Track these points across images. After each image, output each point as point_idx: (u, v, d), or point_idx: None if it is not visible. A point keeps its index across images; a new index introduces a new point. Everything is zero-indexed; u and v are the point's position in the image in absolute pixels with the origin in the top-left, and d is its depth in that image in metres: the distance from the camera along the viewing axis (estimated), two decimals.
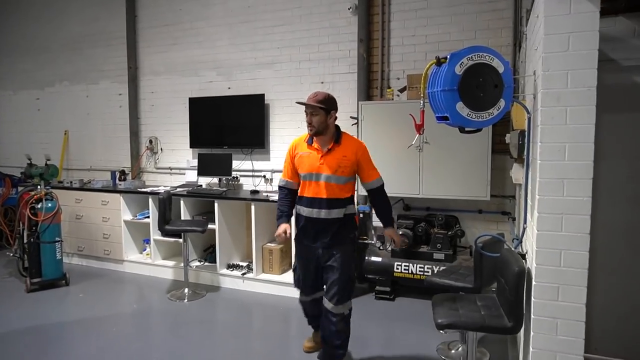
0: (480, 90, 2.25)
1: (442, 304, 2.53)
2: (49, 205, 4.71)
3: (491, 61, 2.25)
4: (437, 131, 3.78)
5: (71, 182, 5.77)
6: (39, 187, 4.83)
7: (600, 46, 2.02)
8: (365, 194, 3.11)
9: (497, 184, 4.23)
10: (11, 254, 5.08)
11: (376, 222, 4.29)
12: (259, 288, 4.64)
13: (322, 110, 2.83)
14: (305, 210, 2.93)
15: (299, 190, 3.02)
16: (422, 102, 2.42)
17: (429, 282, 3.20)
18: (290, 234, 2.99)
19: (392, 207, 3.19)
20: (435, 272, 4.04)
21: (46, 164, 5.97)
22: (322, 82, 4.95)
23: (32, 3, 6.70)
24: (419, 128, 2.43)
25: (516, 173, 3.19)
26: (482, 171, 4.04)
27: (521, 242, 2.81)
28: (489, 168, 4.03)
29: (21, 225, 4.80)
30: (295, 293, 3.42)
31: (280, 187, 3.09)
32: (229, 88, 5.43)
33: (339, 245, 2.89)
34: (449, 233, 4.21)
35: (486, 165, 4.02)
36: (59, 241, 4.78)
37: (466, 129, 2.35)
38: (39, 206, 4.67)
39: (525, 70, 3.30)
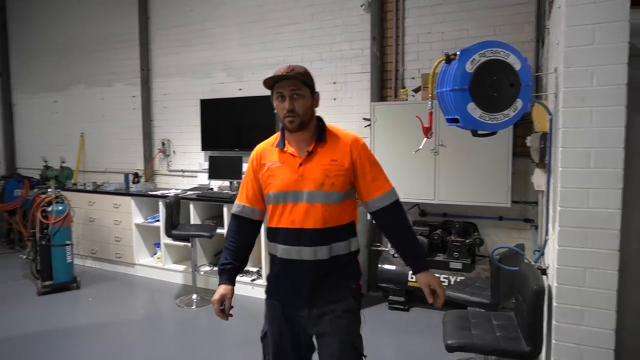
0: (494, 90, 2.04)
1: (453, 322, 2.33)
2: (60, 208, 4.69)
3: (506, 57, 2.03)
4: (453, 133, 3.58)
5: (84, 184, 5.78)
6: (49, 190, 4.82)
7: (631, 39, 1.78)
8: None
9: (519, 189, 3.97)
10: (24, 256, 5.10)
11: None
12: None
13: (307, 88, 1.83)
14: (280, 249, 1.85)
15: (266, 220, 1.94)
16: (430, 102, 2.22)
17: (445, 295, 2.98)
18: (230, 306, 1.90)
19: (407, 213, 2.14)
20: (452, 282, 3.82)
21: (61, 167, 6.03)
22: (334, 82, 4.78)
23: (49, 9, 6.75)
24: (427, 131, 2.22)
25: (538, 179, 2.95)
26: (502, 175, 3.79)
27: (543, 254, 2.58)
28: (510, 172, 3.78)
29: (33, 227, 4.81)
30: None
31: (232, 216, 1.99)
32: (240, 89, 5.32)
33: (334, 303, 1.81)
34: (467, 241, 3.98)
35: (507, 169, 3.77)
36: (69, 244, 4.76)
37: (479, 132, 2.15)
38: (50, 209, 4.66)
39: (547, 67, 3.06)
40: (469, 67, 2.02)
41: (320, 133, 1.87)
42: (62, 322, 4.02)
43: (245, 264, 1.98)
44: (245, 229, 1.94)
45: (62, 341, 3.65)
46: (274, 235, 1.87)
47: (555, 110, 2.22)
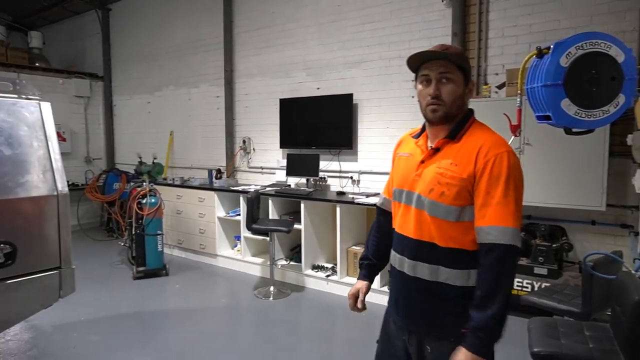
0: (592, 85, 1.91)
1: (540, 329, 2.22)
2: (152, 200, 5.10)
3: (608, 49, 1.90)
4: (540, 131, 3.38)
5: (173, 179, 6.22)
6: (144, 183, 5.25)
7: None
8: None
9: (615, 192, 3.66)
10: (122, 244, 5.62)
11: None
12: (343, 291, 4.55)
13: (461, 73, 1.49)
14: (391, 253, 1.68)
15: None
16: (519, 99, 2.12)
17: (527, 300, 2.85)
18: (363, 300, 1.77)
19: None
20: (536, 289, 3.62)
21: (153, 162, 6.54)
22: (412, 80, 4.69)
23: (143, 19, 7.34)
24: (515, 129, 2.13)
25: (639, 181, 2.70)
26: (597, 177, 3.51)
27: None
28: (606, 173, 3.49)
29: (130, 217, 5.27)
30: (382, 299, 2.24)
31: (376, 209, 1.84)
32: (318, 88, 5.42)
33: (436, 340, 1.51)
34: (554, 245, 3.74)
35: (602, 170, 3.49)
36: (160, 234, 5.15)
37: (573, 130, 2.02)
38: (144, 201, 5.08)
39: None
40: (564, 61, 1.92)
41: (456, 128, 1.50)
42: (154, 305, 4.38)
43: (386, 261, 1.77)
44: (387, 223, 1.72)
45: (154, 323, 3.97)
46: (393, 236, 1.67)
47: None
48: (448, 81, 1.46)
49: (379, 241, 1.79)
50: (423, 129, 1.62)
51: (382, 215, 1.79)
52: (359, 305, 1.77)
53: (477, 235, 1.41)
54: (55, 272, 2.32)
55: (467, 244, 1.44)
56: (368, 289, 1.78)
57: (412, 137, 1.66)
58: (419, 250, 1.51)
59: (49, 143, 2.33)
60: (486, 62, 4.33)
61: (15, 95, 2.31)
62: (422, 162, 1.53)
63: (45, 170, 2.29)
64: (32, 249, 2.23)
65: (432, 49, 1.49)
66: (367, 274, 1.79)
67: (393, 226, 1.65)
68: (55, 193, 2.29)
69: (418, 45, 4.65)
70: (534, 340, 2.10)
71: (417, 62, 1.51)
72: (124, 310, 4.18)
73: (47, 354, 3.33)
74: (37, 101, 2.38)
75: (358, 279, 1.82)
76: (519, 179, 1.42)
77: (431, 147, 1.53)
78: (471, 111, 1.57)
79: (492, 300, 1.35)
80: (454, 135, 1.49)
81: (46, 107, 2.40)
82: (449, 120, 1.50)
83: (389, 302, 1.70)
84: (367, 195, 4.60)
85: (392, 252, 1.65)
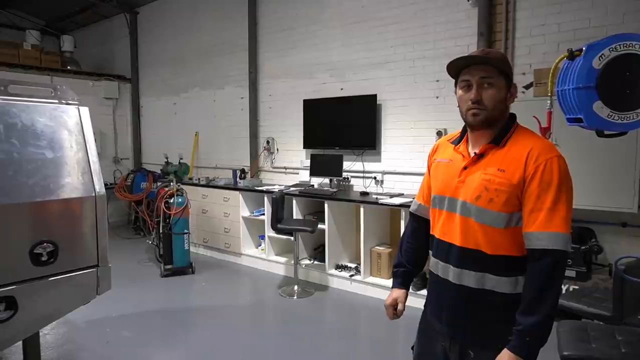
0: (626, 87, 1.89)
1: (569, 333, 2.20)
2: (180, 200, 5.22)
3: None
4: (569, 132, 3.33)
5: (199, 179, 6.35)
6: (171, 183, 5.38)
7: None
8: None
9: None
10: (150, 242, 5.77)
11: None
12: (367, 291, 4.58)
13: (502, 77, 1.48)
14: (431, 261, 1.67)
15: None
16: (549, 101, 2.11)
17: None
18: (402, 310, 1.76)
19: None
20: (564, 291, 3.57)
21: (179, 163, 6.68)
22: (437, 80, 4.68)
23: (170, 22, 7.50)
24: (545, 132, 2.13)
25: None
26: (628, 178, 3.44)
27: None
28: (638, 175, 3.42)
29: (158, 216, 5.40)
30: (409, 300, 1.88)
31: (410, 215, 1.83)
32: (342, 89, 5.45)
33: (484, 350, 1.48)
34: (582, 247, 3.68)
35: (634, 172, 3.42)
36: (187, 233, 5.27)
37: (605, 133, 2.00)
38: (172, 201, 5.20)
39: None
40: (597, 63, 1.90)
41: (500, 133, 1.49)
42: (182, 302, 4.49)
43: (421, 267, 1.78)
44: (422, 230, 1.73)
45: (182, 319, 4.07)
46: (431, 243, 1.66)
47: None
48: (489, 86, 1.45)
49: (414, 248, 1.77)
50: (462, 135, 1.60)
51: (416, 222, 1.78)
52: (399, 314, 1.76)
53: (526, 241, 1.40)
54: (93, 270, 2.42)
55: (515, 250, 1.43)
56: (406, 297, 1.77)
57: (451, 142, 1.64)
58: (465, 257, 1.49)
59: (87, 146, 2.43)
60: (513, 61, 4.28)
61: (56, 101, 2.42)
62: (465, 168, 1.51)
63: (84, 173, 2.38)
64: (72, 247, 2.33)
65: (473, 53, 1.50)
66: (403, 282, 1.78)
67: (432, 232, 1.64)
68: (94, 194, 2.39)
69: (443, 45, 4.63)
70: (564, 344, 2.08)
71: (457, 68, 1.51)
72: (153, 307, 4.30)
73: (82, 348, 3.46)
74: (76, 106, 2.48)
75: (393, 287, 1.80)
76: (569, 185, 1.41)
77: (476, 152, 1.51)
78: (514, 116, 1.55)
79: (540, 306, 1.34)
80: (498, 141, 1.48)
81: (85, 111, 2.50)
82: (491, 125, 1.49)
83: (429, 309, 1.68)
84: (391, 196, 4.61)
85: (434, 260, 1.63)
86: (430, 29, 4.71)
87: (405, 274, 1.79)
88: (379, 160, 5.18)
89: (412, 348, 1.77)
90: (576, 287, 3.51)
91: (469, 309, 1.50)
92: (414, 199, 1.83)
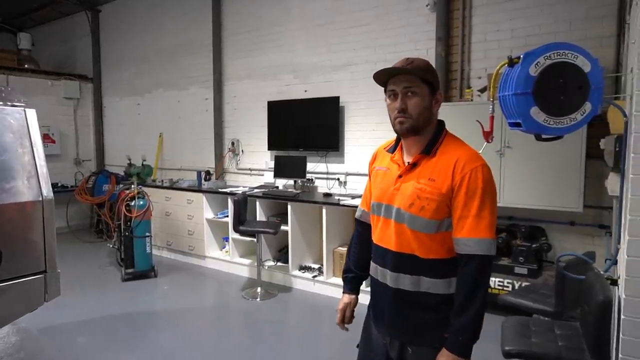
0: (560, 93, 1.99)
1: (513, 328, 2.30)
2: (141, 203, 5.13)
3: (574, 59, 1.98)
4: (520, 134, 3.46)
5: (162, 181, 6.25)
6: (132, 186, 5.28)
7: None
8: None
9: (593, 193, 3.75)
10: (111, 245, 5.64)
11: None
12: (330, 292, 4.62)
13: (425, 85, 1.53)
14: (371, 265, 1.73)
15: None
16: (491, 106, 2.20)
17: (504, 300, 2.93)
18: (352, 315, 1.83)
19: None
20: (517, 288, 3.71)
21: (142, 164, 6.56)
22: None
23: (133, 21, 7.35)
24: (488, 136, 2.21)
25: (612, 184, 2.79)
26: (574, 179, 3.61)
27: (615, 263, 2.45)
28: (583, 175, 3.58)
29: (119, 219, 5.29)
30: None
31: (355, 221, 1.89)
32: (306, 91, 5.48)
33: (421, 347, 1.56)
34: (534, 246, 3.83)
35: (579, 172, 3.59)
36: (148, 236, 5.19)
37: (543, 137, 2.10)
38: (133, 203, 5.11)
39: (626, 66, 2.88)
40: (533, 71, 1.99)
41: (431, 142, 1.56)
42: (143, 306, 4.41)
43: (369, 271, 1.77)
44: (367, 235, 1.75)
45: (144, 323, 4.01)
46: (372, 248, 1.71)
47: (629, 113, 2.11)
48: (413, 94, 1.51)
49: (360, 253, 1.82)
50: (397, 143, 1.67)
51: (361, 227, 1.83)
52: (347, 321, 1.82)
53: (455, 246, 1.50)
54: (40, 276, 2.36)
55: (446, 253, 1.52)
56: (356, 302, 1.83)
57: (387, 150, 1.71)
58: (401, 262, 1.56)
59: (34, 149, 2.37)
60: (469, 65, 4.42)
61: (1, 102, 2.35)
62: (400, 176, 1.58)
63: (30, 177, 2.33)
64: (17, 253, 2.27)
65: (396, 64, 1.55)
66: (353, 287, 1.84)
67: (372, 238, 1.69)
68: (40, 198, 2.33)
69: (404, 48, 4.72)
70: (506, 339, 2.17)
71: (385, 77, 1.56)
72: (112, 312, 4.22)
73: (33, 356, 3.36)
74: (23, 108, 2.42)
75: (344, 292, 1.84)
76: (493, 192, 1.50)
77: (408, 162, 1.58)
78: (442, 123, 1.63)
79: (470, 306, 1.45)
80: (429, 150, 1.55)
81: (31, 113, 2.44)
82: (418, 132, 1.55)
83: (372, 311, 1.74)
84: (353, 197, 4.67)
85: (373, 265, 1.70)
86: (392, 33, 4.80)
87: (355, 279, 1.84)
88: (343, 162, 5.23)
89: (358, 346, 1.82)
90: (528, 283, 3.65)
91: (406, 310, 1.57)
92: (358, 205, 1.88)
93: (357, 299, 1.84)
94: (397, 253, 1.56)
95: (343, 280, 1.87)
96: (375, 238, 1.67)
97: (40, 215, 2.33)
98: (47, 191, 2.35)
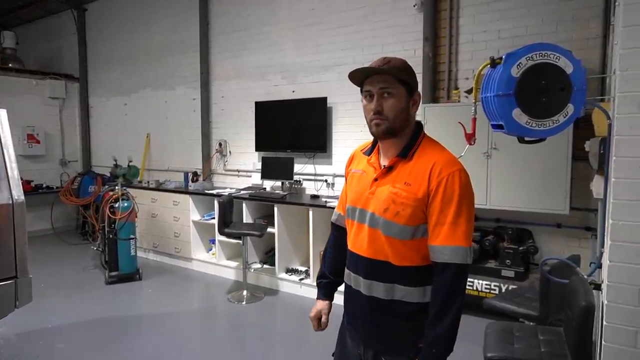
0: (542, 95, 1.95)
1: (496, 334, 2.26)
2: (125, 204, 5.04)
3: (556, 60, 1.94)
4: (506, 136, 3.44)
5: (148, 182, 6.16)
6: (116, 187, 5.19)
7: None
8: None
9: (579, 195, 3.73)
10: (95, 248, 5.54)
11: None
12: (316, 294, 4.56)
13: (402, 85, 1.46)
14: (346, 274, 1.67)
15: None
16: (473, 108, 2.16)
17: (488, 304, 2.89)
18: (326, 322, 1.77)
19: None
20: (503, 290, 3.67)
21: (129, 165, 6.46)
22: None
23: (120, 21, 7.25)
24: (470, 138, 2.17)
25: (597, 186, 2.77)
26: (560, 181, 3.58)
27: (600, 267, 2.42)
28: (569, 177, 3.56)
29: (103, 221, 5.20)
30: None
31: (331, 225, 1.82)
32: (293, 91, 5.42)
33: (395, 357, 1.52)
34: (521, 248, 3.80)
35: (565, 175, 3.56)
36: (133, 238, 5.10)
37: (525, 139, 2.06)
38: (117, 205, 5.02)
39: (611, 67, 2.86)
40: (515, 72, 1.95)
41: (408, 145, 1.50)
42: (126, 310, 4.33)
43: (341, 276, 1.72)
44: (342, 240, 1.68)
45: (126, 328, 3.93)
46: (347, 254, 1.64)
47: (612, 115, 2.08)
48: (389, 95, 1.45)
49: (335, 258, 1.76)
50: (373, 145, 1.61)
51: (336, 232, 1.77)
52: (322, 327, 1.77)
53: (430, 253, 1.42)
54: (10, 281, 2.28)
55: (421, 261, 1.45)
56: (330, 308, 1.77)
57: (364, 153, 1.64)
58: (373, 269, 1.50)
59: (5, 151, 2.29)
60: (457, 66, 4.39)
61: None
62: (376, 180, 1.51)
63: (0, 179, 2.25)
64: None
65: (372, 64, 1.48)
66: (327, 293, 1.78)
67: (346, 242, 1.63)
68: (11, 202, 2.26)
69: (391, 49, 4.68)
70: (489, 345, 2.13)
71: (361, 78, 1.49)
72: (95, 316, 4.13)
73: None
74: None
75: (317, 298, 1.79)
76: (471, 198, 1.43)
77: (384, 165, 1.51)
78: (420, 126, 1.56)
79: (444, 317, 1.38)
80: (405, 154, 1.49)
81: (2, 114, 2.36)
82: (395, 134, 1.48)
83: (346, 319, 1.68)
84: None
85: (347, 271, 1.64)
86: (379, 33, 4.76)
87: (329, 285, 1.78)
88: (330, 163, 5.18)
89: (333, 355, 1.77)
90: (514, 286, 3.62)
91: (379, 319, 1.51)
92: (334, 209, 1.82)
93: (330, 304, 1.78)
94: (370, 259, 1.50)
95: (317, 285, 1.81)
96: (350, 243, 1.60)
97: (11, 219, 2.26)
98: (17, 194, 2.28)
